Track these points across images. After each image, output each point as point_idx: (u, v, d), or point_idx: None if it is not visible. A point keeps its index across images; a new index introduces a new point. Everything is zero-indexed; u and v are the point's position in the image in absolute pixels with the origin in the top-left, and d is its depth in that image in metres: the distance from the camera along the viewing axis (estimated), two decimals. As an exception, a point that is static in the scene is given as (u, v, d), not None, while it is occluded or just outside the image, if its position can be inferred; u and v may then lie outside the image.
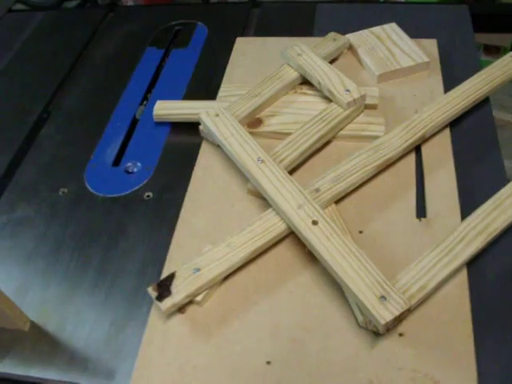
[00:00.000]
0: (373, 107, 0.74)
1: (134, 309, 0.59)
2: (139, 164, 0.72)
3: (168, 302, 0.55)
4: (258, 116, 0.74)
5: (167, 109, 0.77)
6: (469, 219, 0.58)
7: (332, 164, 0.66)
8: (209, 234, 0.63)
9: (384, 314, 0.50)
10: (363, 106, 0.73)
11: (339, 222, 0.61)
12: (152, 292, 0.56)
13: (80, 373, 0.55)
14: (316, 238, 0.56)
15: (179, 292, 0.56)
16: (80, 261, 0.64)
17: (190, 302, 0.57)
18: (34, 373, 0.55)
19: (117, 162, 0.74)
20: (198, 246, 0.62)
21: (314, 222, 0.58)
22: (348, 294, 0.55)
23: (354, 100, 0.70)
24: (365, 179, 0.65)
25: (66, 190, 0.71)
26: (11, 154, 0.77)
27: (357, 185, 0.65)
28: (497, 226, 0.57)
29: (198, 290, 0.56)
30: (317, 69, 0.75)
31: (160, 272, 0.60)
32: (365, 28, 0.85)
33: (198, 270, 0.57)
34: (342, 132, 0.72)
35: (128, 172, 0.72)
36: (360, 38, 0.83)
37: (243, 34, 0.91)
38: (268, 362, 0.53)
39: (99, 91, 0.85)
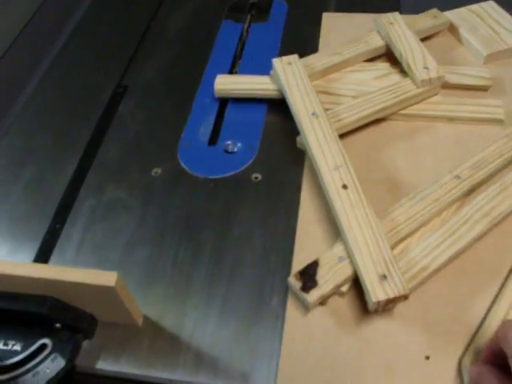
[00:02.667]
0: (483, 89, 0.69)
1: (262, 301, 0.52)
2: (239, 143, 0.66)
3: (315, 294, 0.49)
4: (366, 95, 0.68)
5: (228, 83, 0.72)
6: (475, 201, 0.56)
7: (385, 139, 0.64)
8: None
9: (378, 293, 0.48)
10: (439, 87, 0.68)
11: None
12: (295, 282, 0.50)
13: (211, 374, 0.48)
14: (340, 203, 0.54)
15: (327, 282, 0.50)
16: (190, 248, 0.57)
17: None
18: (157, 373, 0.49)
19: (213, 140, 0.67)
20: (326, 232, 0.56)
21: (344, 187, 0.56)
22: (354, 264, 0.51)
23: (430, 79, 0.66)
24: (501, 168, 0.61)
25: (159, 171, 0.64)
26: (89, 132, 0.70)
27: (495, 174, 0.60)
28: (502, 209, 0.55)
29: (345, 280, 0.50)
30: (403, 40, 0.71)
31: (285, 260, 0.54)
32: (455, 5, 0.80)
33: (343, 258, 0.51)
34: (406, 110, 0.67)
35: (228, 151, 0.65)
36: (459, 16, 0.78)
37: (324, 9, 0.85)
38: (427, 357, 0.47)
39: (177, 64, 0.78)
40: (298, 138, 0.64)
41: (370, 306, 0.49)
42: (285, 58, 0.70)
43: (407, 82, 0.67)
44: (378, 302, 0.48)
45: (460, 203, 0.57)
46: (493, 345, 0.42)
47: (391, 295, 0.47)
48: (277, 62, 0.70)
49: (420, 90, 0.66)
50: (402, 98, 0.66)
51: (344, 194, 0.55)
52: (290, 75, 0.68)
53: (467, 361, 0.46)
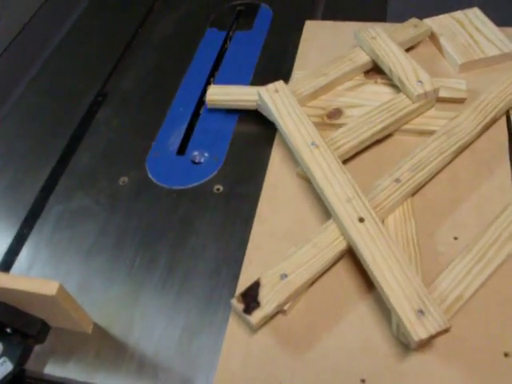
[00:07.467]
0: (460, 101, 0.68)
1: (208, 313, 0.53)
2: (206, 154, 0.67)
3: (258, 315, 0.49)
4: (337, 106, 0.67)
5: (221, 94, 0.71)
6: (499, 220, 0.54)
7: (391, 158, 0.62)
8: (289, 234, 0.57)
9: (419, 331, 0.46)
10: (435, 100, 0.66)
11: (410, 223, 0.56)
12: (237, 304, 0.50)
13: (151, 382, 0.49)
14: (360, 237, 0.52)
15: (269, 302, 0.50)
16: (145, 258, 0.58)
17: (273, 311, 0.52)
18: (100, 380, 0.50)
19: (182, 150, 0.68)
20: (277, 247, 0.56)
21: (361, 220, 0.53)
22: (385, 301, 0.50)
23: (425, 93, 0.64)
24: (442, 166, 0.61)
25: (126, 180, 0.66)
26: (66, 139, 0.72)
27: (435, 173, 0.60)
28: None
29: (288, 298, 0.51)
30: (390, 55, 0.69)
31: (236, 274, 0.55)
32: (443, 13, 0.78)
33: (286, 275, 0.51)
34: (406, 126, 0.66)
35: (194, 162, 0.67)
36: (440, 24, 0.76)
37: (310, 17, 0.84)
38: (362, 381, 0.47)
39: (158, 73, 0.80)
40: (297, 169, 0.62)
41: (412, 345, 0.47)
42: (270, 86, 0.66)
43: (402, 97, 0.66)
44: (421, 341, 0.45)
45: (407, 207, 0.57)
46: None
47: (433, 331, 0.45)
48: (263, 91, 0.66)
49: (416, 104, 0.65)
50: (399, 116, 0.64)
51: (362, 227, 0.52)
52: (279, 104, 0.64)
53: None
